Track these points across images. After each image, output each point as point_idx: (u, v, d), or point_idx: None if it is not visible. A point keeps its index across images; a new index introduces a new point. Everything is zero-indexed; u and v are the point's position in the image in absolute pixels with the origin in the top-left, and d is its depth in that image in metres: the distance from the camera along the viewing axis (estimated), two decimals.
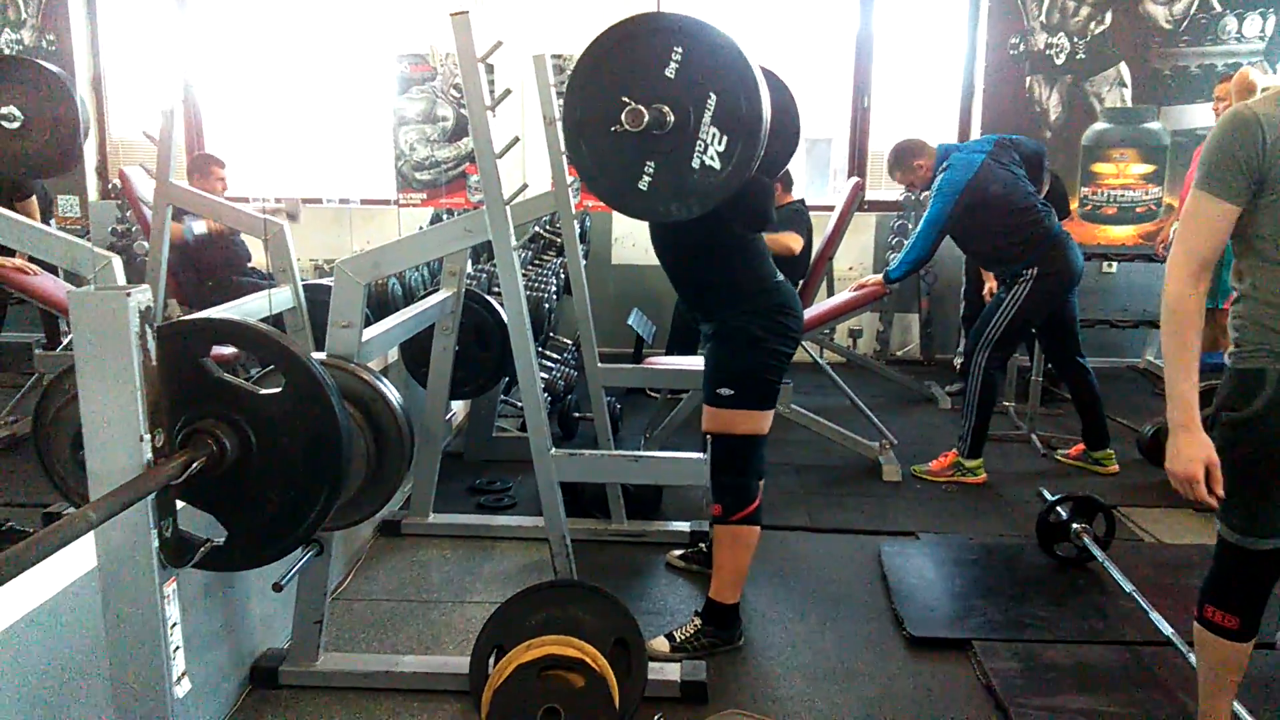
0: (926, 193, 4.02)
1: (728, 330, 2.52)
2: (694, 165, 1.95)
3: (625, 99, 1.91)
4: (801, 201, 5.28)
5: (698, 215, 2.04)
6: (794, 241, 4.75)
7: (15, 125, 3.07)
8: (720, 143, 1.92)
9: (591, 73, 1.99)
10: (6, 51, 6.46)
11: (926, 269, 5.86)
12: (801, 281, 4.84)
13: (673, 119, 1.91)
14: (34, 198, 4.91)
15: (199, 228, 4.65)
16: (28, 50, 6.48)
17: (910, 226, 6.13)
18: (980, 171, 3.82)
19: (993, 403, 3.99)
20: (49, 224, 5.04)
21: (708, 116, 1.91)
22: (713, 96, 1.90)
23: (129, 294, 1.35)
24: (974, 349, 3.93)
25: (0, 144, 3.09)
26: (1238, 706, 2.12)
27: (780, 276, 2.63)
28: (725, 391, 2.48)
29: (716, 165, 1.94)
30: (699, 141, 1.93)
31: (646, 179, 1.98)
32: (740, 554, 2.59)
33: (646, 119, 1.86)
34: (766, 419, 2.54)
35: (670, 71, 1.90)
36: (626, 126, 1.88)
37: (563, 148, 2.65)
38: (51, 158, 3.19)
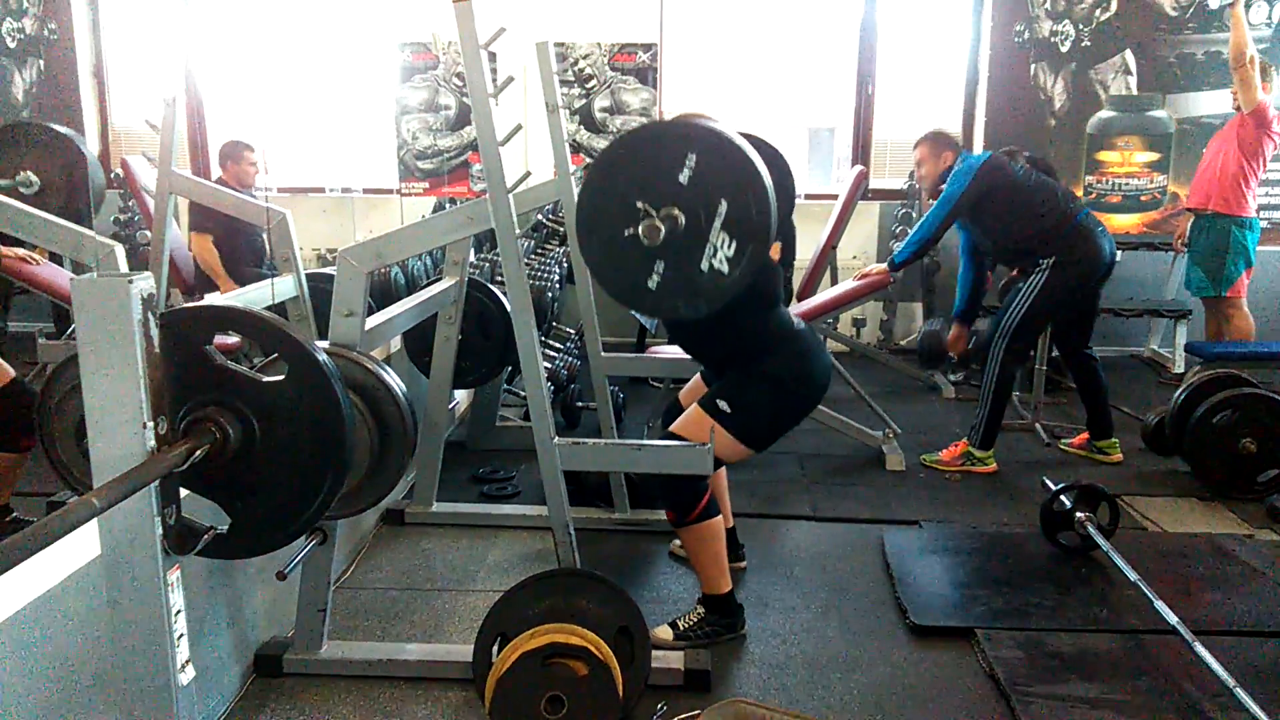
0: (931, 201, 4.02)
1: (750, 370, 2.50)
2: (703, 268, 1.98)
3: (639, 203, 1.95)
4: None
5: (705, 315, 2.08)
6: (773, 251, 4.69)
7: (32, 191, 3.14)
8: (729, 247, 1.96)
9: (607, 173, 2.03)
10: (17, 114, 6.48)
11: (930, 258, 5.84)
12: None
13: (684, 223, 1.95)
14: None
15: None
16: (29, 39, 6.47)
17: (914, 216, 6.12)
18: (993, 157, 3.86)
19: (1008, 394, 3.96)
20: None
21: (718, 222, 1.95)
22: (724, 203, 1.94)
23: (131, 281, 1.35)
24: (992, 338, 3.91)
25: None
26: (1248, 701, 2.12)
27: (800, 324, 2.63)
28: (724, 406, 2.44)
29: (725, 269, 1.98)
30: (709, 245, 1.97)
31: (656, 278, 2.01)
32: (709, 547, 2.58)
33: (663, 234, 1.90)
34: (742, 454, 2.52)
35: (684, 177, 1.94)
36: (643, 240, 1.92)
37: (575, 244, 2.63)
38: (69, 219, 3.25)
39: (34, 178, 3.13)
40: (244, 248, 4.87)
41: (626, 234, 1.96)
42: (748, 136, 2.56)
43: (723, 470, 2.84)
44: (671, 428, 2.54)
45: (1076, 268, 3.79)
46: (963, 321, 4.18)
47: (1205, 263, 5.07)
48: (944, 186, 3.91)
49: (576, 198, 2.09)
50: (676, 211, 1.94)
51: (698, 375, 2.87)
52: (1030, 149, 6.19)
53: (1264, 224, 5.41)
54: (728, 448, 2.47)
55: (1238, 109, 4.94)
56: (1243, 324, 5.08)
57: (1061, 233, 3.77)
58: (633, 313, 5.32)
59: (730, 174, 1.95)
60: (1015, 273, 4.17)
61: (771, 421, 2.53)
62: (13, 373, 2.83)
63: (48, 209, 3.16)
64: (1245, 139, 4.86)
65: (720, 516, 2.58)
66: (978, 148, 6.34)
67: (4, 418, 2.68)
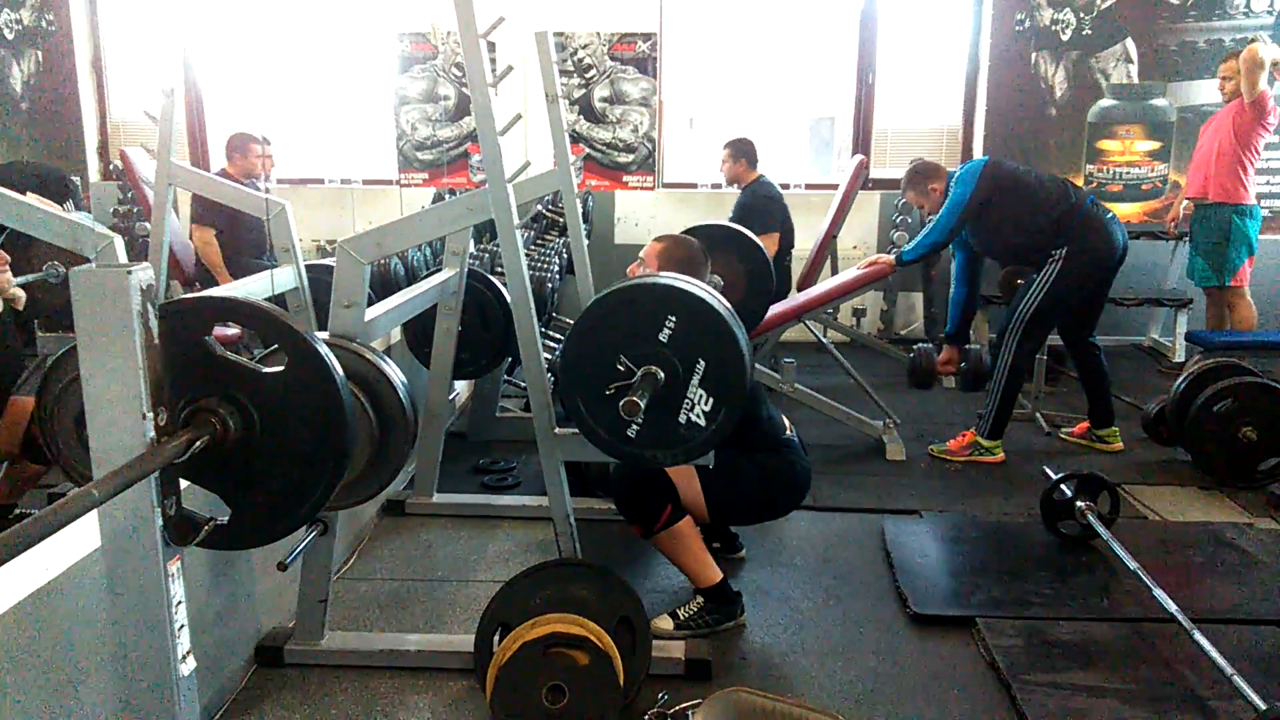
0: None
1: (738, 459, 2.59)
2: (680, 420, 2.09)
3: (621, 359, 2.06)
4: (760, 179, 5.22)
5: (682, 464, 2.19)
6: (768, 243, 4.68)
7: (58, 280, 3.27)
8: (706, 404, 2.07)
9: (591, 330, 2.12)
10: (15, 106, 6.47)
11: None
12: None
13: (663, 378, 2.04)
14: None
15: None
16: (27, 31, 6.45)
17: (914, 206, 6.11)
18: (991, 159, 3.89)
19: (1020, 385, 3.96)
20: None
21: (695, 379, 2.06)
22: (701, 362, 2.05)
23: (130, 272, 1.35)
24: (1006, 329, 3.90)
25: (48, 298, 3.41)
26: (1246, 689, 2.12)
27: (788, 431, 2.77)
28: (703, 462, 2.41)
29: (702, 423, 2.08)
30: (687, 400, 2.07)
31: (635, 428, 2.11)
32: (684, 545, 2.58)
33: (642, 410, 1.96)
34: (696, 512, 2.58)
35: (664, 336, 2.05)
36: (624, 416, 1.98)
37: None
38: None
39: (60, 267, 3.28)
40: (245, 239, 4.87)
41: (609, 391, 2.06)
42: (718, 226, 2.66)
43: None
44: None
45: (1089, 256, 3.78)
46: (953, 342, 4.17)
47: (1207, 252, 5.07)
48: (945, 199, 3.90)
49: (563, 347, 2.20)
50: (655, 368, 2.03)
51: None
52: (1031, 138, 6.21)
53: (1265, 212, 5.41)
54: (689, 497, 2.55)
55: (1228, 99, 4.93)
56: (1246, 313, 5.08)
57: (1070, 222, 3.76)
58: None
59: (707, 336, 2.05)
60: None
61: (741, 501, 2.65)
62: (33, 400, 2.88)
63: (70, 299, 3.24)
64: (1241, 127, 4.85)
65: (688, 516, 2.58)
66: (979, 137, 6.34)
67: (37, 439, 2.73)
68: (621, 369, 2.06)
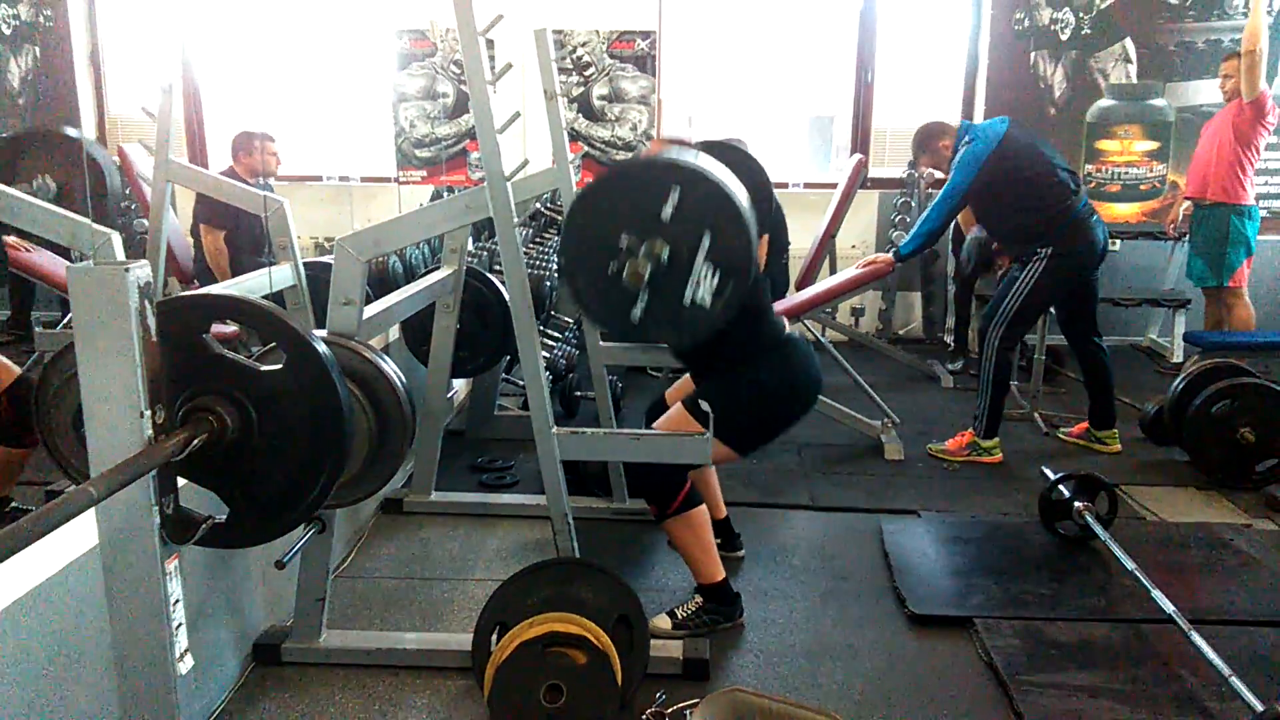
0: (930, 181, 3.98)
1: (735, 375, 2.50)
2: (685, 301, 2.01)
3: (625, 236, 1.97)
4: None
5: (688, 345, 2.08)
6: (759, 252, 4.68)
7: (50, 196, 3.14)
8: (713, 280, 1.99)
9: (590, 208, 2.05)
10: (13, 101, 6.46)
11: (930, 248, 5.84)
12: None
13: (668, 255, 1.97)
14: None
15: None
16: (24, 26, 6.44)
17: (913, 204, 6.11)
18: (1004, 142, 3.76)
19: (1006, 382, 3.97)
20: None
21: (701, 255, 1.98)
22: (707, 236, 1.96)
23: (128, 269, 1.34)
24: (987, 327, 3.91)
25: None
26: (1244, 690, 2.12)
27: (791, 331, 2.64)
28: (705, 407, 2.40)
29: (708, 302, 2.00)
30: (692, 278, 1.99)
31: (639, 310, 2.03)
32: (696, 536, 2.58)
33: (645, 279, 1.92)
34: (725, 457, 2.52)
35: (667, 211, 1.96)
36: (626, 284, 1.94)
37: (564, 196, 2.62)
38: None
39: (52, 183, 3.16)
40: (243, 237, 4.86)
41: (611, 269, 1.99)
42: (717, 144, 2.60)
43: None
44: (654, 425, 2.54)
45: (1073, 258, 3.79)
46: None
47: (1206, 253, 5.07)
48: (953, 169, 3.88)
49: (563, 227, 2.10)
50: (661, 244, 1.96)
51: (687, 375, 2.85)
52: None
53: (1263, 213, 5.41)
54: (713, 448, 2.46)
55: (1229, 98, 4.93)
56: (1244, 313, 5.08)
57: (1060, 224, 3.76)
58: None
59: (712, 208, 1.97)
60: (1010, 261, 4.16)
61: (754, 427, 2.55)
62: (18, 370, 2.82)
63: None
64: (1241, 127, 4.85)
65: (703, 505, 2.58)
66: None
67: (11, 416, 2.67)
68: (624, 247, 1.97)
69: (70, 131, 3.33)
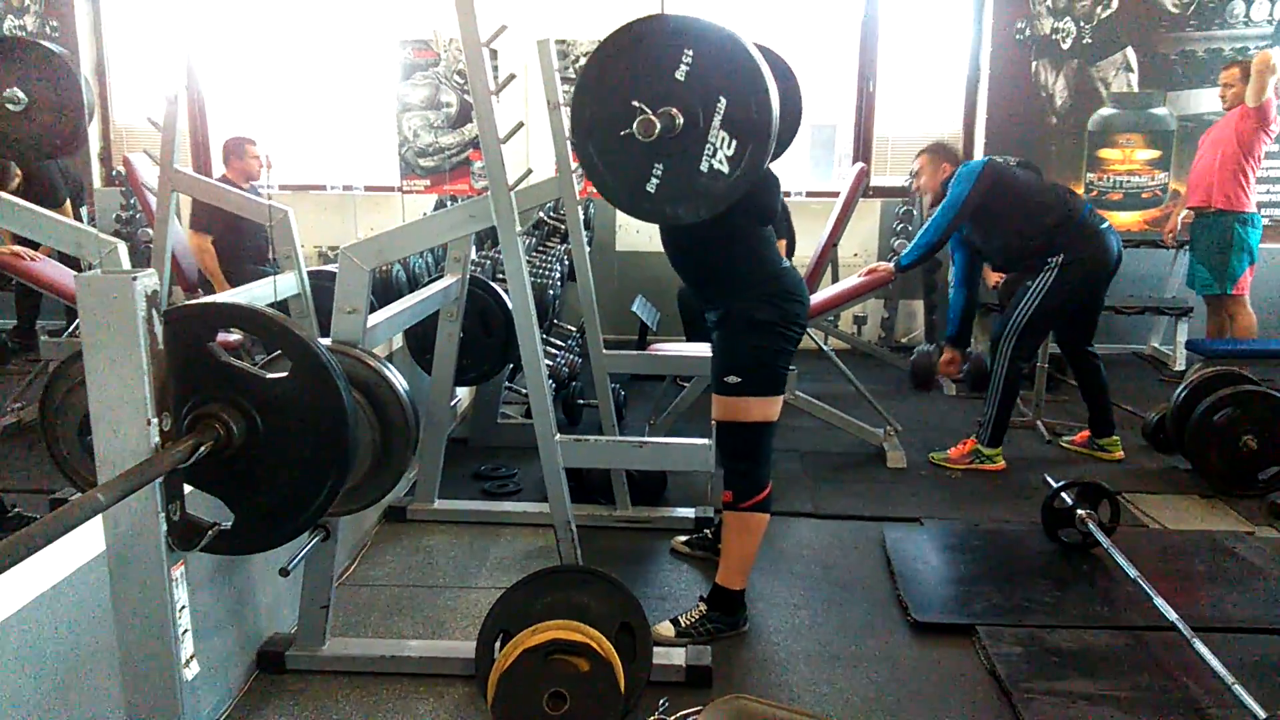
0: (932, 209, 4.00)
1: (733, 316, 2.51)
2: (702, 169, 1.93)
3: (635, 102, 1.88)
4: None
5: (705, 218, 2.03)
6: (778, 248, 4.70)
7: (20, 108, 3.06)
8: (729, 147, 1.90)
9: (600, 74, 1.97)
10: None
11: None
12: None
13: (682, 122, 1.89)
14: (68, 203, 4.96)
15: None
16: (31, 36, 6.46)
17: (915, 214, 6.12)
18: (992, 161, 3.86)
19: (1016, 392, 3.97)
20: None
21: (717, 120, 1.89)
22: (722, 100, 1.88)
23: (135, 278, 1.35)
24: (1000, 337, 3.91)
25: (6, 126, 3.06)
26: (1247, 698, 2.12)
27: (786, 263, 2.63)
28: (733, 379, 2.47)
29: (725, 169, 1.92)
30: (708, 145, 1.91)
31: (654, 181, 1.96)
32: (749, 540, 2.60)
33: (658, 129, 1.84)
34: (776, 405, 2.53)
35: (680, 74, 1.88)
36: (638, 136, 1.85)
37: (568, 135, 2.63)
38: (57, 139, 3.18)
39: (21, 94, 3.05)
40: (246, 245, 4.87)
41: (623, 134, 1.90)
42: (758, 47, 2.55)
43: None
44: (714, 419, 2.55)
45: (1084, 266, 3.78)
46: (955, 345, 4.16)
47: (1209, 260, 5.07)
48: (946, 194, 3.90)
49: (572, 98, 2.02)
50: (674, 111, 1.88)
51: None
52: (1031, 146, 6.21)
53: (1266, 221, 5.42)
54: (762, 408, 2.49)
55: (1229, 106, 4.94)
56: (1246, 321, 5.08)
57: (1067, 231, 3.76)
58: (634, 310, 5.34)
59: (730, 70, 1.88)
60: (998, 277, 4.18)
61: (772, 362, 2.52)
62: None
63: (35, 128, 3.10)
64: (1244, 134, 4.86)
65: (768, 517, 2.60)
66: (979, 146, 6.34)
67: None
68: (636, 113, 1.88)
69: (48, 45, 3.26)
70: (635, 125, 1.84)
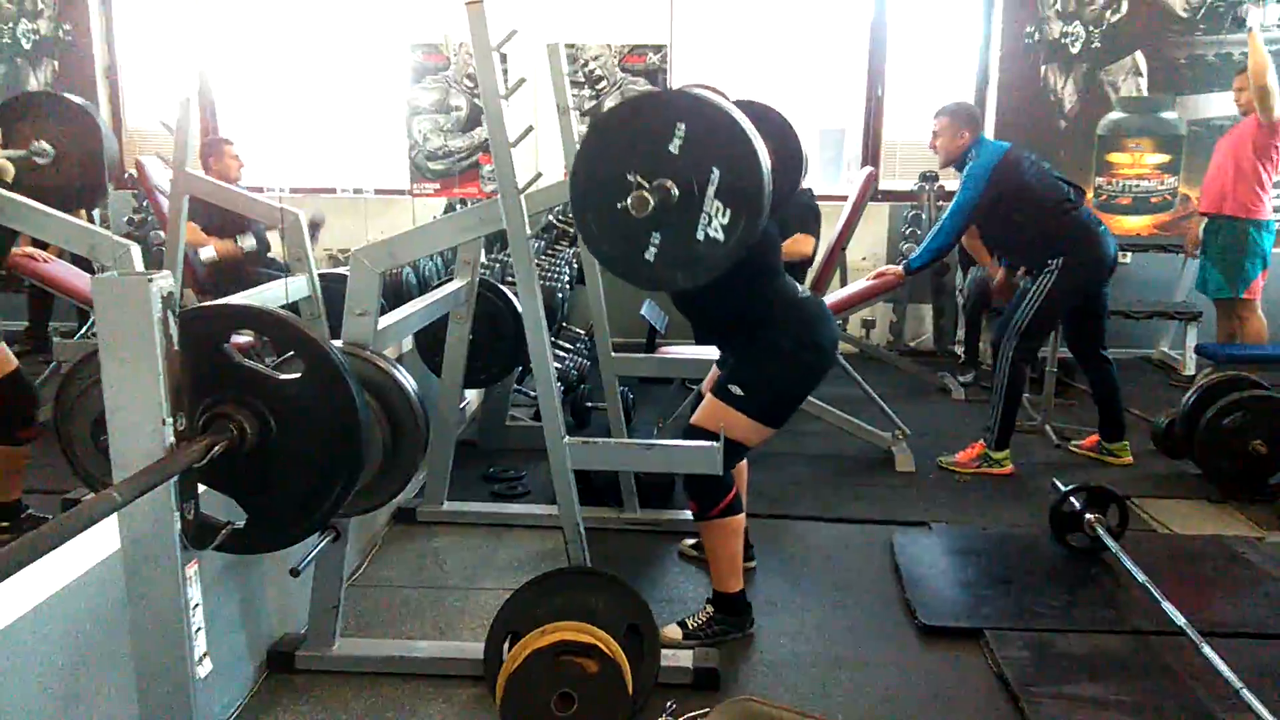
0: (941, 194, 3.98)
1: (756, 345, 2.50)
2: (699, 237, 1.99)
3: (630, 175, 1.96)
4: (809, 192, 5.25)
5: (704, 283, 2.08)
6: (805, 245, 4.71)
7: (47, 160, 3.15)
8: (724, 215, 1.96)
9: (597, 148, 2.04)
10: (26, 45, 6.52)
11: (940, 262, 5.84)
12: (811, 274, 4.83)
13: (677, 193, 1.96)
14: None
15: (206, 254, 4.67)
16: (44, 40, 6.52)
17: (924, 218, 6.12)
18: (1009, 154, 3.79)
19: (1020, 394, 3.97)
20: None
21: (711, 190, 1.95)
22: (715, 171, 1.94)
23: (151, 279, 1.37)
24: (1001, 339, 3.92)
25: (34, 179, 3.17)
26: (1255, 703, 2.12)
27: (805, 291, 2.64)
28: (736, 390, 2.45)
29: (721, 237, 1.98)
30: (704, 214, 1.97)
31: (653, 249, 2.02)
32: (728, 543, 2.59)
33: (651, 206, 1.90)
34: (763, 436, 2.51)
35: (674, 147, 1.95)
36: (632, 213, 1.92)
37: (577, 141, 2.65)
38: (82, 191, 3.27)
39: (49, 147, 3.12)
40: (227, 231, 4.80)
41: (620, 207, 1.95)
42: (751, 104, 2.57)
43: (744, 466, 2.84)
44: (691, 420, 2.55)
45: (1084, 269, 3.80)
46: (1011, 267, 4.16)
47: (1222, 264, 5.06)
48: (962, 162, 3.87)
49: (571, 169, 2.09)
50: (669, 183, 1.94)
51: (715, 367, 2.87)
52: (1040, 150, 6.16)
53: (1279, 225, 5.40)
54: (748, 430, 2.47)
55: (1244, 111, 4.93)
56: (1257, 326, 5.07)
57: (1068, 235, 3.77)
58: (642, 314, 5.35)
59: (721, 142, 1.94)
60: (1021, 272, 4.16)
61: (784, 395, 2.53)
62: (16, 364, 2.85)
63: (61, 180, 3.17)
64: (1260, 141, 4.85)
65: (742, 515, 2.59)
66: None
67: (11, 405, 2.70)
68: (632, 186, 1.95)
69: (71, 97, 3.31)
70: (630, 201, 1.91)
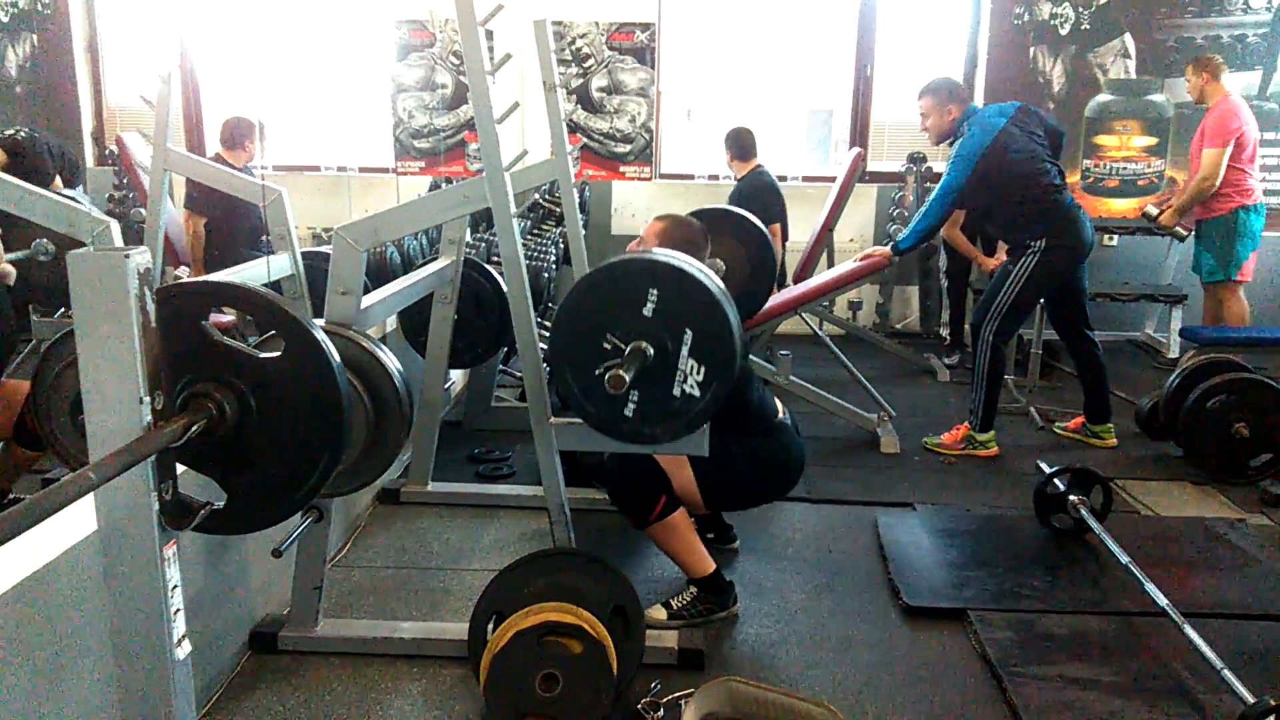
0: (928, 176, 3.97)
1: (733, 440, 2.57)
2: (675, 393, 2.08)
3: (608, 337, 2.05)
4: (760, 169, 5.24)
5: (683, 438, 2.16)
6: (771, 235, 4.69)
7: (49, 258, 3.24)
8: (699, 373, 2.06)
9: (575, 312, 2.11)
10: (10, 90, 6.45)
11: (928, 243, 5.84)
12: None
13: (653, 353, 2.04)
14: (58, 181, 4.92)
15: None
16: (22, 14, 6.42)
17: (911, 199, 6.11)
18: (999, 137, 3.75)
19: (1001, 374, 3.99)
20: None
21: (685, 350, 2.04)
22: (689, 332, 2.03)
23: (128, 255, 1.34)
24: (981, 321, 3.92)
25: (36, 275, 3.36)
26: (1236, 683, 2.13)
27: (784, 418, 2.74)
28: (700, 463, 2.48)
29: (696, 393, 2.07)
30: (679, 372, 2.06)
31: (632, 406, 2.11)
32: (679, 536, 2.58)
33: (627, 383, 1.96)
34: (691, 501, 2.58)
35: (648, 310, 2.03)
36: (610, 390, 1.97)
37: (564, 121, 2.62)
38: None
39: (49, 244, 3.24)
40: (241, 227, 4.84)
41: (598, 372, 2.05)
42: (728, 213, 2.61)
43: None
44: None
45: (1065, 252, 3.82)
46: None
47: (1214, 248, 5.08)
48: (956, 134, 3.86)
49: (550, 330, 2.19)
50: (644, 345, 2.03)
51: None
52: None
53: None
54: (683, 486, 2.55)
55: (1197, 101, 5.06)
56: (1239, 308, 5.10)
57: (1050, 217, 3.78)
58: None
59: (691, 305, 2.04)
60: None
61: (734, 486, 2.64)
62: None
63: (61, 277, 3.21)
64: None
65: (682, 507, 2.58)
66: None
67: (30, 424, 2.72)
68: (609, 347, 2.05)
69: (70, 194, 3.38)
70: (607, 380, 1.97)
